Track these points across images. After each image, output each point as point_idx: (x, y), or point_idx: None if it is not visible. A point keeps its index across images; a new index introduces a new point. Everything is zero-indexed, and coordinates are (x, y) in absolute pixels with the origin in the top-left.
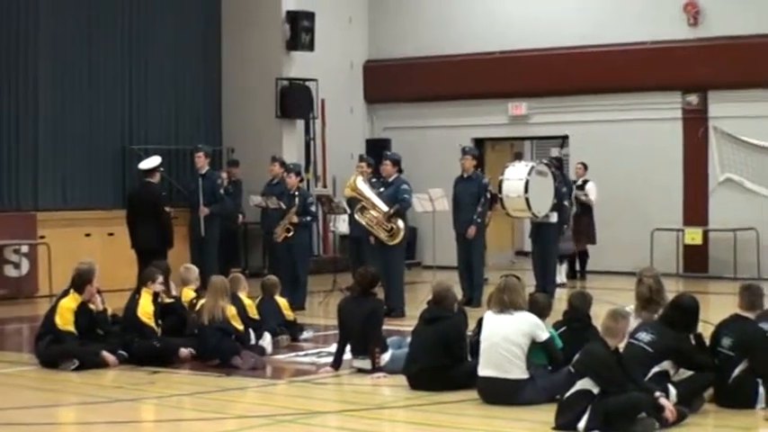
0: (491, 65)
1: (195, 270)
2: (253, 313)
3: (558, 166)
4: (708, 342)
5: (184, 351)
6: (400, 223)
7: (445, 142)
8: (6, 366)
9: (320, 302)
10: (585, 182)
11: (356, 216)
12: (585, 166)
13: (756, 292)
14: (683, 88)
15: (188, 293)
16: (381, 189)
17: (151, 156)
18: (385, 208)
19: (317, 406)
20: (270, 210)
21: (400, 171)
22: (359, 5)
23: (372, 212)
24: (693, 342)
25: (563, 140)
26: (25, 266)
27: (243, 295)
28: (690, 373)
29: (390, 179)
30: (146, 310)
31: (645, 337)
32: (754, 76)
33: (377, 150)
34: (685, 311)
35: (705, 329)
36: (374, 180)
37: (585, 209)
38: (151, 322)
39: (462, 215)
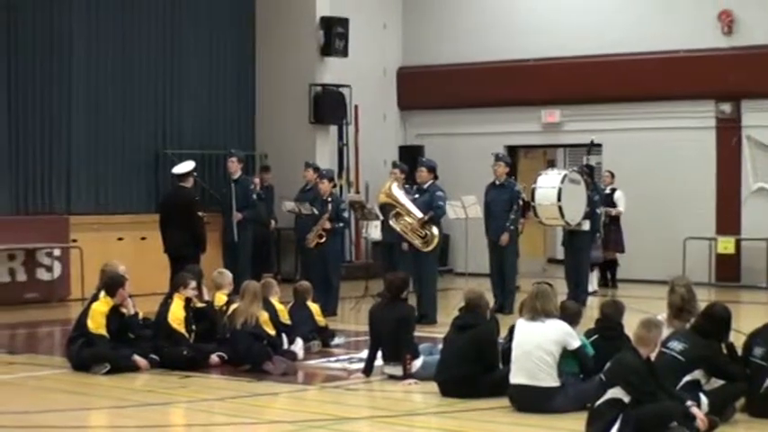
0: (524, 72)
1: (229, 275)
2: (285, 318)
3: (590, 173)
4: (740, 351)
5: (214, 358)
6: (435, 230)
7: (478, 149)
8: (38, 369)
9: (352, 308)
10: (614, 190)
11: (391, 222)
12: (613, 175)
13: None
14: (717, 97)
15: (221, 298)
16: (416, 195)
17: (185, 160)
18: (419, 214)
19: (348, 412)
20: (303, 215)
21: (435, 178)
22: (393, 12)
23: (407, 219)
24: (725, 351)
25: (589, 148)
26: (57, 270)
27: (275, 300)
28: (721, 382)
29: (425, 186)
30: (176, 315)
31: (677, 345)
32: None
33: (410, 157)
34: (717, 320)
35: (737, 339)
36: (407, 186)
37: (614, 218)
38: (181, 328)
39: (494, 222)
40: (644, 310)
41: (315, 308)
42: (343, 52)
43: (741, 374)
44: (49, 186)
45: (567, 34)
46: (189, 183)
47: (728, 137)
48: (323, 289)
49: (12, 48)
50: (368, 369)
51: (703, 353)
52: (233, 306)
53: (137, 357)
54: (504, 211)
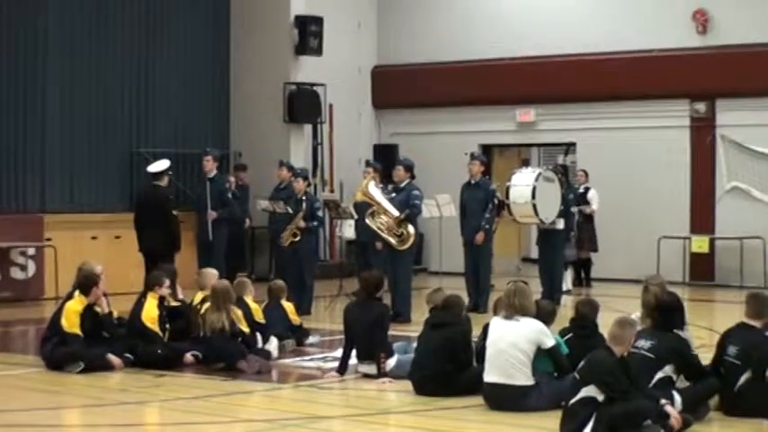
0: (499, 71)
1: (211, 274)
2: (259, 317)
3: (564, 173)
4: (714, 350)
5: (189, 357)
6: (411, 229)
7: (453, 148)
8: (12, 368)
9: (326, 307)
10: (587, 189)
11: (367, 221)
12: (587, 174)
13: (763, 301)
14: (691, 96)
15: (200, 298)
16: (393, 194)
17: (159, 159)
18: (396, 213)
19: (322, 411)
20: (277, 214)
21: (412, 177)
22: (368, 11)
23: (383, 217)
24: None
25: (567, 148)
26: (31, 269)
27: (249, 299)
28: None
29: (402, 185)
30: (150, 315)
31: (644, 344)
32: (762, 85)
33: (384, 156)
34: (670, 310)
35: (711, 337)
36: (381, 186)
37: (587, 217)
38: (155, 327)
39: (470, 221)
40: (618, 309)
41: (289, 307)
42: (318, 51)
43: (703, 370)
44: (23, 185)
45: (542, 34)
46: (164, 181)
47: (703, 136)
48: (297, 288)
49: None
50: (342, 368)
51: (671, 345)
52: (206, 305)
53: (111, 356)
54: (479, 211)
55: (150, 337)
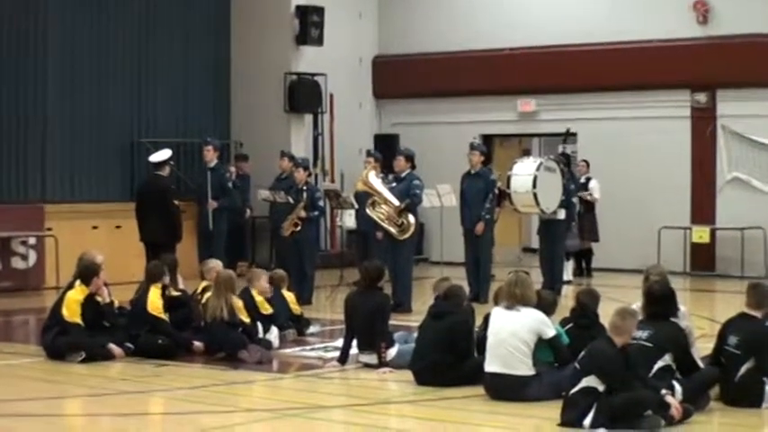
0: (500, 61)
1: (214, 265)
2: (265, 308)
3: (566, 162)
4: (714, 340)
5: (198, 344)
6: (411, 218)
7: (453, 138)
8: (13, 358)
9: (327, 297)
10: (588, 179)
11: (367, 210)
12: (588, 164)
13: (764, 291)
14: (692, 86)
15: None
16: (393, 184)
17: (160, 149)
18: (396, 202)
19: (323, 400)
20: (278, 204)
21: (413, 167)
22: (369, 0)
23: (384, 207)
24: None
25: (565, 136)
26: (32, 258)
27: (255, 292)
28: None
29: (403, 174)
30: (156, 305)
31: (642, 334)
32: (763, 75)
33: (385, 146)
34: (662, 299)
35: (711, 328)
36: (382, 175)
37: (588, 206)
38: (163, 316)
39: (470, 211)
40: (619, 299)
41: (290, 296)
42: (319, 41)
43: (697, 365)
44: (24, 175)
45: (543, 23)
46: (165, 171)
47: (703, 126)
48: (298, 278)
49: None
50: (343, 357)
51: (669, 334)
52: (207, 294)
53: (112, 346)
54: (479, 200)
55: (159, 326)
